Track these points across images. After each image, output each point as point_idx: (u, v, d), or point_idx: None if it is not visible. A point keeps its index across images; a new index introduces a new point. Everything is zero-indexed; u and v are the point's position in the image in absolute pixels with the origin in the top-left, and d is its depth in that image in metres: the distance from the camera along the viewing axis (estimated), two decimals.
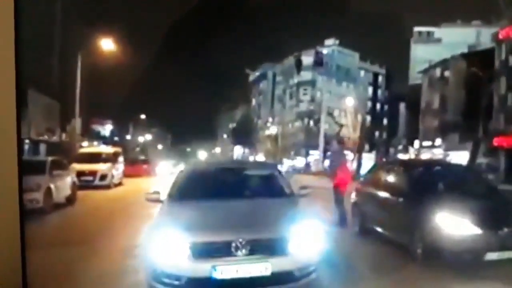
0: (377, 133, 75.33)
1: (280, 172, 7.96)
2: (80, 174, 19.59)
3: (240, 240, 5.07)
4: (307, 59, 65.47)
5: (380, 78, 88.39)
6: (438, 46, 67.04)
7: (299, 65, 64.64)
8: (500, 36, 45.81)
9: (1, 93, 2.62)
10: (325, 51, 71.80)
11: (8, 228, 2.71)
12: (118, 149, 29.22)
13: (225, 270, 5.01)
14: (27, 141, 33.47)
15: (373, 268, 7.02)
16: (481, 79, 32.23)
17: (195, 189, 6.85)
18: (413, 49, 74.58)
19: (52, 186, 13.73)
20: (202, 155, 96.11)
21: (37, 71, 30.08)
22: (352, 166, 30.17)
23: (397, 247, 8.00)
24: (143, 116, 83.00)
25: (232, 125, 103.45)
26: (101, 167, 22.77)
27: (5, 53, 2.60)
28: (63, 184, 15.21)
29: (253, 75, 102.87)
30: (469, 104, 39.39)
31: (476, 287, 6.26)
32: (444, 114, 55.03)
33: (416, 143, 59.62)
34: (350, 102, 57.07)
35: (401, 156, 54.49)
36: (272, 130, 76.14)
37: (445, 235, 6.71)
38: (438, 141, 55.60)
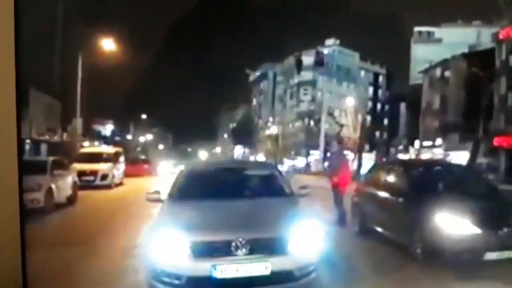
0: (377, 133, 75.24)
1: (280, 172, 7.98)
2: (81, 174, 19.62)
3: (240, 239, 5.09)
4: (308, 59, 65.60)
5: (380, 78, 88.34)
6: (439, 46, 67.01)
7: (299, 65, 64.79)
8: (501, 36, 45.79)
9: (1, 93, 2.62)
10: (325, 51, 71.89)
11: (8, 228, 2.71)
12: (119, 149, 29.25)
13: (225, 269, 5.03)
14: (28, 141, 33.49)
15: (373, 268, 7.01)
16: (481, 79, 32.23)
17: (196, 189, 6.87)
18: (413, 49, 74.50)
19: (53, 186, 13.73)
20: (202, 155, 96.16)
21: (38, 71, 30.11)
22: (352, 166, 30.15)
23: (397, 247, 8.01)
24: (144, 116, 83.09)
25: (232, 125, 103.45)
26: (102, 167, 22.78)
27: (5, 53, 2.60)
28: (64, 184, 15.21)
29: (253, 75, 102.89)
30: (470, 104, 39.37)
31: (476, 287, 6.26)
32: (444, 114, 55.01)
33: (417, 143, 59.58)
34: (350, 102, 57.05)
35: (401, 156, 54.45)
36: (273, 130, 76.10)
37: (445, 235, 6.72)
38: (439, 141, 55.58)
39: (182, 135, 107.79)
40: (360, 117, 50.62)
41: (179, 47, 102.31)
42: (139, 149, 74.41)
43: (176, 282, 5.08)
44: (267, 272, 5.05)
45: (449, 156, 44.90)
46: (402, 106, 70.08)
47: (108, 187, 22.23)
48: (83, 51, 32.37)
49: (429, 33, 75.12)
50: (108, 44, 32.24)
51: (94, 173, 22.10)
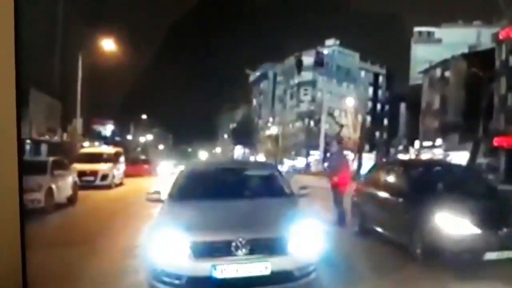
0: (377, 133, 75.20)
1: (280, 172, 7.99)
2: (81, 174, 19.63)
3: (240, 239, 5.10)
4: (308, 59, 65.56)
5: (380, 78, 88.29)
6: (439, 46, 67.01)
7: (299, 65, 64.75)
8: (501, 37, 45.76)
9: (1, 93, 2.62)
10: (325, 51, 71.87)
11: (8, 228, 2.71)
12: (119, 149, 29.26)
13: (225, 269, 5.04)
14: (28, 141, 33.49)
15: (373, 268, 7.01)
16: (481, 79, 32.20)
17: (196, 189, 6.88)
18: (413, 49, 74.49)
19: (53, 186, 13.75)
20: (203, 155, 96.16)
21: (38, 71, 30.11)
22: (352, 166, 30.15)
23: (397, 247, 8.01)
24: (144, 116, 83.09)
25: (232, 125, 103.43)
26: (102, 167, 22.81)
27: (5, 53, 2.60)
28: (64, 184, 15.23)
29: (253, 75, 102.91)
30: (470, 104, 39.33)
31: (475, 287, 6.27)
32: (444, 114, 55.00)
33: (417, 143, 59.57)
34: (350, 102, 57.05)
35: (401, 156, 54.42)
36: (273, 130, 76.10)
37: (445, 235, 6.72)
38: (439, 141, 55.57)
39: (182, 136, 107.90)
40: (360, 117, 50.63)
41: (179, 47, 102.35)
42: (139, 149, 74.34)
43: (177, 282, 5.09)
44: (267, 272, 5.06)
45: (449, 156, 44.87)
46: (402, 106, 70.02)
47: (108, 187, 22.25)
48: (83, 51, 32.41)
49: (429, 33, 75.11)
50: (108, 44, 32.26)
51: (94, 173, 22.13)
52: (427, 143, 57.30)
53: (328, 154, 17.48)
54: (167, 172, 38.24)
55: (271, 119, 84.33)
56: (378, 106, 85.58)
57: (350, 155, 33.05)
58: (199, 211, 5.95)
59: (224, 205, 6.17)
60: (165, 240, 5.24)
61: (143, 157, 49.86)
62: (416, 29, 75.11)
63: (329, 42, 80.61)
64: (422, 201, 7.47)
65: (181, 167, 9.63)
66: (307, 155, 68.95)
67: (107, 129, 65.25)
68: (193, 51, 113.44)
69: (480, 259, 6.56)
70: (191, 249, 5.09)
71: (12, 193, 2.70)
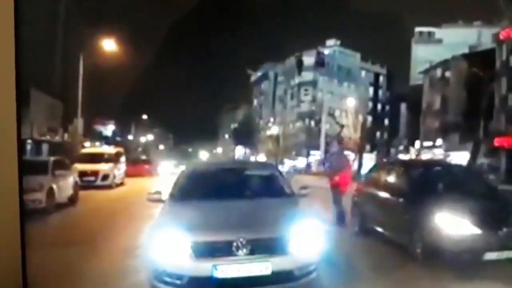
0: (378, 134, 75.20)
1: (280, 172, 8.00)
2: (82, 174, 19.66)
3: (241, 239, 5.10)
4: (308, 59, 65.58)
5: (381, 79, 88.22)
6: (439, 46, 66.97)
7: (300, 66, 64.77)
8: (501, 37, 45.74)
9: (1, 93, 2.63)
10: (326, 51, 71.93)
11: (8, 228, 2.71)
12: (120, 149, 29.26)
13: (226, 269, 5.05)
14: (29, 141, 33.51)
15: (373, 267, 7.02)
16: (482, 79, 32.15)
17: (196, 189, 6.90)
18: (414, 49, 74.48)
19: (54, 186, 13.77)
20: (203, 155, 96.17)
21: (39, 71, 30.13)
22: (353, 166, 30.15)
23: (397, 247, 8.01)
24: (145, 117, 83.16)
25: (233, 126, 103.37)
26: (103, 167, 22.84)
27: (5, 53, 2.61)
28: (65, 184, 15.25)
29: (254, 76, 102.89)
30: (470, 104, 39.31)
31: (475, 287, 6.27)
32: (445, 115, 54.96)
33: (417, 143, 59.54)
34: (351, 102, 56.97)
35: (402, 157, 54.39)
36: (273, 130, 76.00)
37: (445, 235, 6.72)
38: (439, 142, 55.55)
39: (183, 136, 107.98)
40: (360, 118, 50.56)
41: (180, 47, 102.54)
42: (140, 149, 74.38)
43: (178, 282, 5.11)
44: (267, 272, 5.07)
45: (449, 156, 44.86)
46: (403, 107, 69.98)
47: (109, 187, 22.27)
48: (84, 51, 32.44)
49: (429, 33, 75.08)
50: (109, 45, 32.30)
51: (95, 173, 22.16)
52: (427, 143, 57.28)
53: (328, 154, 17.43)
54: (167, 172, 38.26)
55: (271, 119, 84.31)
56: (379, 106, 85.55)
57: (350, 155, 33.04)
58: (200, 211, 5.96)
59: (225, 205, 6.18)
60: (166, 240, 5.25)
61: (144, 157, 49.82)
62: (417, 29, 75.09)
63: (330, 42, 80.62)
64: (423, 201, 7.47)
65: (182, 167, 9.64)
66: (308, 155, 68.96)
67: (108, 129, 65.27)
68: (193, 51, 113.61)
69: (480, 259, 6.56)
70: (192, 249, 5.10)
71: (12, 193, 2.70)
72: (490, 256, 6.58)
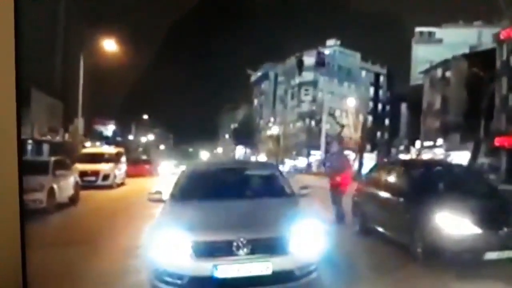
0: (378, 134, 75.20)
1: (280, 172, 8.00)
2: (82, 174, 19.65)
3: (241, 239, 5.10)
4: (309, 59, 65.44)
5: (381, 78, 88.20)
6: (440, 46, 66.84)
7: (300, 66, 64.60)
8: (502, 37, 45.69)
9: (1, 93, 2.63)
10: (326, 51, 71.83)
11: (8, 228, 2.71)
12: (121, 149, 29.30)
13: (227, 269, 5.05)
14: (30, 141, 33.53)
15: (373, 267, 7.01)
16: (482, 79, 32.10)
17: (197, 189, 6.89)
18: (414, 49, 74.33)
19: (55, 186, 13.78)
20: (204, 155, 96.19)
21: (40, 71, 30.16)
22: (354, 166, 30.15)
23: (398, 247, 8.01)
24: (145, 117, 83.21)
25: (233, 126, 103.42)
26: (103, 167, 22.86)
27: (5, 53, 2.61)
28: (66, 184, 15.25)
29: (254, 76, 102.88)
30: (471, 104, 39.27)
31: (476, 287, 6.27)
32: (445, 114, 54.91)
33: (418, 143, 59.51)
34: (351, 102, 56.91)
35: (402, 156, 54.37)
36: (274, 130, 76.05)
37: (445, 234, 6.72)
38: (440, 141, 55.51)
39: (183, 136, 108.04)
40: (361, 118, 50.49)
41: (180, 47, 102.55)
42: (140, 149, 74.43)
43: (178, 281, 5.11)
44: (268, 272, 5.07)
45: (450, 156, 44.82)
46: (403, 107, 69.94)
47: (110, 187, 22.29)
48: (85, 51, 32.44)
49: (430, 33, 74.95)
50: (109, 45, 32.29)
51: (95, 173, 22.18)
52: (428, 143, 57.24)
53: (328, 154, 17.45)
54: (168, 172, 38.28)
55: (272, 119, 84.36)
56: (379, 106, 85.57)
57: (351, 155, 33.06)
58: (200, 211, 5.96)
59: (226, 205, 6.18)
60: (166, 240, 5.25)
61: (144, 157, 49.86)
62: (417, 29, 74.97)
63: (330, 42, 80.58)
64: (423, 201, 7.46)
65: (182, 167, 9.64)
66: (308, 155, 68.97)
67: (109, 129, 65.32)
68: (194, 51, 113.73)
69: (480, 259, 6.56)
70: (193, 249, 5.10)
71: (12, 193, 2.70)
72: (491, 255, 6.58)
